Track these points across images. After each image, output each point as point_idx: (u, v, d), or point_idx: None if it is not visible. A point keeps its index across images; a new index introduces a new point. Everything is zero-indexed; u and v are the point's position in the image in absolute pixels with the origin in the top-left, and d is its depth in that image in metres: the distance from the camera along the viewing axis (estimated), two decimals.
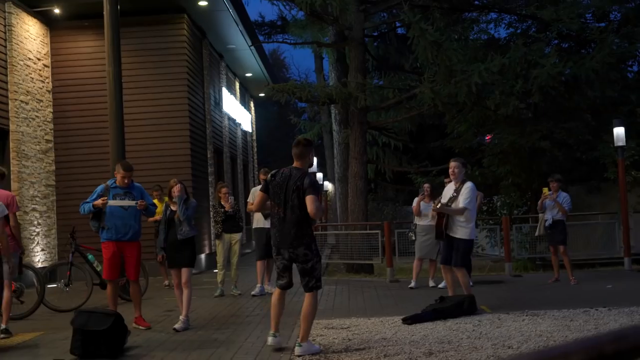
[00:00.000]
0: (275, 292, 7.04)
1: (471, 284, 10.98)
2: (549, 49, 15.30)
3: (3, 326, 8.07)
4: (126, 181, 8.53)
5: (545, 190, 11.76)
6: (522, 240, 15.14)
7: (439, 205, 9.03)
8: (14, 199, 8.85)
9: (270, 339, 6.90)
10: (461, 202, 8.83)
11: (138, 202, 8.43)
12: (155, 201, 10.78)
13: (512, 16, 17.84)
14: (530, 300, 9.72)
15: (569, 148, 17.35)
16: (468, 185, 8.95)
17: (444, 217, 8.97)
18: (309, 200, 6.53)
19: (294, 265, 6.87)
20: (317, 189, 6.72)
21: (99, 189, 8.53)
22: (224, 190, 11.71)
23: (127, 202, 8.43)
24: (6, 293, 7.98)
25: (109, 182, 8.64)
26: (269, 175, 6.96)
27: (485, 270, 14.35)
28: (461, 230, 8.90)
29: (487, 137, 19.66)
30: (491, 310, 8.86)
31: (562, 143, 16.92)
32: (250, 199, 12.02)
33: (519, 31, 18.11)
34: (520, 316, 8.32)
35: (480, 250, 17.54)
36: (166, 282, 12.76)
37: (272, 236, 6.94)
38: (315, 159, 24.95)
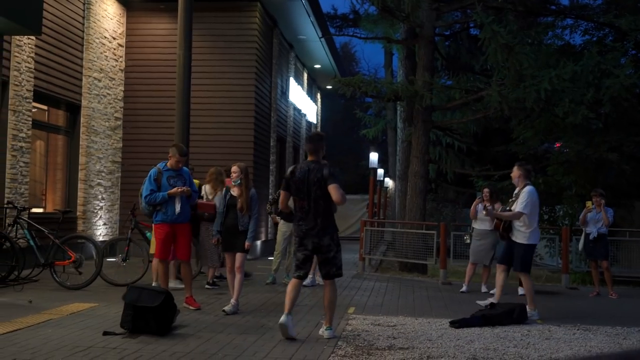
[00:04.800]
0: (294, 281, 7.18)
1: (521, 292, 10.86)
2: (625, 59, 14.86)
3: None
4: (180, 165, 8.76)
5: (588, 204, 11.67)
6: (582, 252, 14.78)
7: (488, 211, 8.97)
8: None
9: (283, 318, 6.91)
10: (517, 206, 8.80)
11: (184, 188, 8.64)
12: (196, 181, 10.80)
13: (589, 23, 17.39)
14: (584, 314, 9.51)
15: (637, 162, 16.84)
16: (526, 189, 8.90)
17: (502, 220, 9.04)
18: (333, 188, 6.86)
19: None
20: (337, 177, 6.99)
21: (152, 173, 8.68)
22: None
23: (180, 190, 8.59)
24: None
25: (159, 166, 8.78)
26: (288, 173, 7.16)
27: (541, 280, 14.09)
28: (519, 235, 8.93)
29: (557, 144, 19.25)
30: (542, 321, 8.71)
31: (631, 156, 16.43)
32: None
33: (594, 39, 17.63)
34: (572, 329, 8.16)
35: (538, 260, 17.20)
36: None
37: (296, 228, 7.18)
38: (376, 155, 24.98)
